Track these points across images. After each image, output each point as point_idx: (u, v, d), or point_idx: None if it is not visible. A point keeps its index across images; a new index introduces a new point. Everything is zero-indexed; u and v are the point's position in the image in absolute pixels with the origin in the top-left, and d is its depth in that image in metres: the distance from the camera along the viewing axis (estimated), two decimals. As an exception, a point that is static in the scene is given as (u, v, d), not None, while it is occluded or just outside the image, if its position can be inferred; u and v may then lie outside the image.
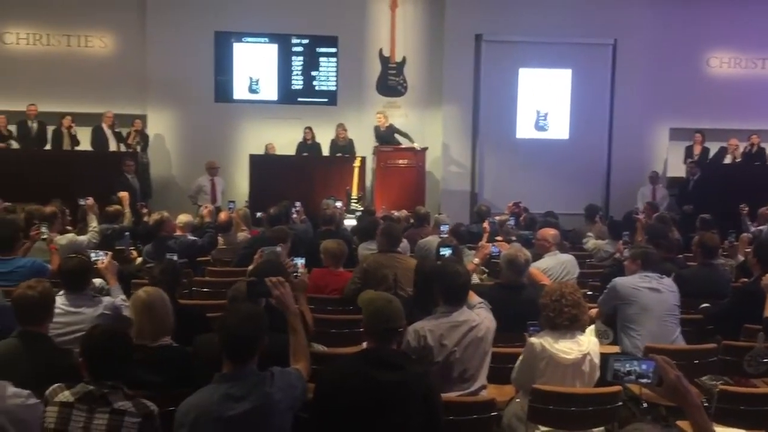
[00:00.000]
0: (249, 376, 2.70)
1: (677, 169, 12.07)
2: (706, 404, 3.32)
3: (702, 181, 10.66)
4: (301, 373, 2.89)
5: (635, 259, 4.96)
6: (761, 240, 6.18)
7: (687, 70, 12.45)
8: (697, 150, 11.72)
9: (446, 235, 6.55)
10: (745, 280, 5.54)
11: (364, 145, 11.57)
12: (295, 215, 7.95)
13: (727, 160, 11.55)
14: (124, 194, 8.14)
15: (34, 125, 11.01)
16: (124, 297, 4.27)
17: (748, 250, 5.97)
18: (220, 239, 7.26)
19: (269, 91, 12.18)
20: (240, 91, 12.13)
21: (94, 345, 2.64)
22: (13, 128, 10.96)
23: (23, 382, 2.77)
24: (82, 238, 6.35)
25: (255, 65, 12.10)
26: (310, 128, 11.59)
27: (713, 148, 11.77)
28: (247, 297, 3.20)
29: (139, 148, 11.14)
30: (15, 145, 10.89)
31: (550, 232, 6.10)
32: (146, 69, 11.79)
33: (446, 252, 5.17)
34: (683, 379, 2.09)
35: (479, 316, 3.69)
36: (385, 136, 11.31)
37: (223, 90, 12.05)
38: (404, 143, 11.34)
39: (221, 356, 2.75)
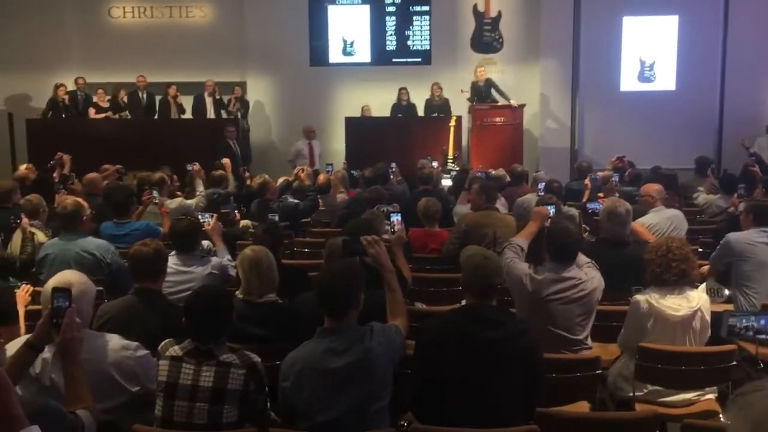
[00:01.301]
0: (349, 330, 2.75)
1: (798, 118, 11.25)
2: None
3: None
4: (399, 329, 2.92)
5: (748, 213, 4.69)
6: None
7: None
8: (819, 97, 10.88)
9: (543, 193, 6.38)
10: None
11: (460, 104, 11.41)
12: (391, 176, 7.99)
13: None
14: (226, 161, 8.41)
15: (144, 96, 11.52)
16: (230, 257, 4.44)
17: None
18: (320, 201, 7.40)
19: (363, 53, 12.20)
20: (335, 54, 12.22)
21: (196, 307, 2.75)
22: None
23: (141, 337, 2.94)
24: (190, 201, 6.63)
25: (349, 27, 12.13)
26: (405, 89, 11.54)
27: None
28: (342, 255, 3.24)
29: (239, 115, 11.46)
30: (127, 115, 11.45)
31: (654, 187, 5.85)
32: (244, 36, 12.06)
33: (550, 210, 5.01)
34: (807, 334, 1.96)
35: (587, 274, 3.60)
36: (483, 91, 11.11)
37: (318, 54, 12.17)
38: (500, 101, 11.09)
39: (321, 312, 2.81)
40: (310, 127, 11.27)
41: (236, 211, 7.27)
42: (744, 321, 2.08)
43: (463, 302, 3.20)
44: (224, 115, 11.47)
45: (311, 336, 2.81)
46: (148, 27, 12.25)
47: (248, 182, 8.58)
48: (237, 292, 3.47)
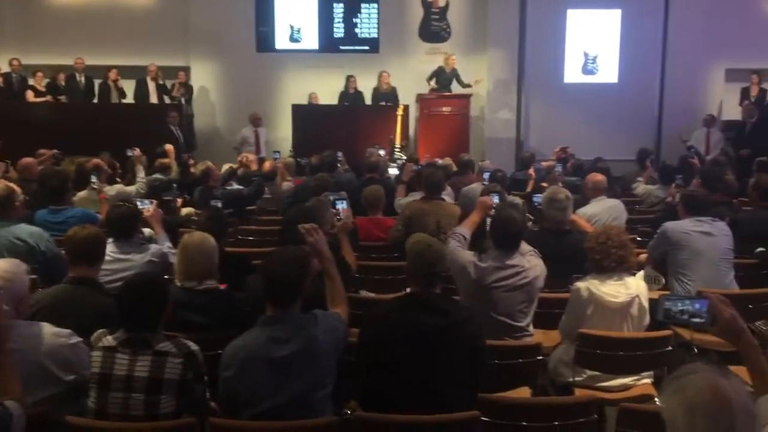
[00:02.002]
0: (293, 318, 2.71)
1: (733, 111, 11.59)
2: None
3: (760, 123, 10.24)
4: (341, 317, 2.90)
5: (682, 203, 4.84)
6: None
7: (745, 5, 11.86)
8: (754, 92, 11.26)
9: (488, 183, 6.43)
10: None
11: (408, 93, 11.43)
12: (338, 165, 7.95)
13: (787, 101, 11.08)
14: (170, 147, 8.23)
15: (82, 79, 11.17)
16: (170, 245, 4.34)
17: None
18: (266, 189, 7.30)
19: (311, 39, 12.09)
20: (282, 41, 12.08)
21: (129, 296, 2.67)
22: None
23: (75, 327, 2.84)
24: (130, 188, 6.47)
25: (296, 14, 12.01)
26: (353, 77, 11.52)
27: (772, 89, 11.28)
28: (280, 244, 3.19)
29: (183, 100, 11.22)
30: (64, 99, 11.08)
31: (597, 177, 5.96)
32: (188, 20, 11.82)
33: (494, 199, 5.01)
34: (738, 317, 2.02)
35: (529, 262, 3.64)
36: (447, 79, 11.17)
37: (264, 40, 12.01)
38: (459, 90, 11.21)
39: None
40: (256, 114, 11.12)
41: (179, 198, 7.11)
42: (680, 305, 2.12)
43: (408, 290, 3.20)
44: (167, 100, 11.21)
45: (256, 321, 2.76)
46: (87, 7, 11.85)
47: (192, 169, 8.41)
48: (176, 279, 3.38)
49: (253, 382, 2.63)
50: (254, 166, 7.80)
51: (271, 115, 11.76)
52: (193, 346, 2.68)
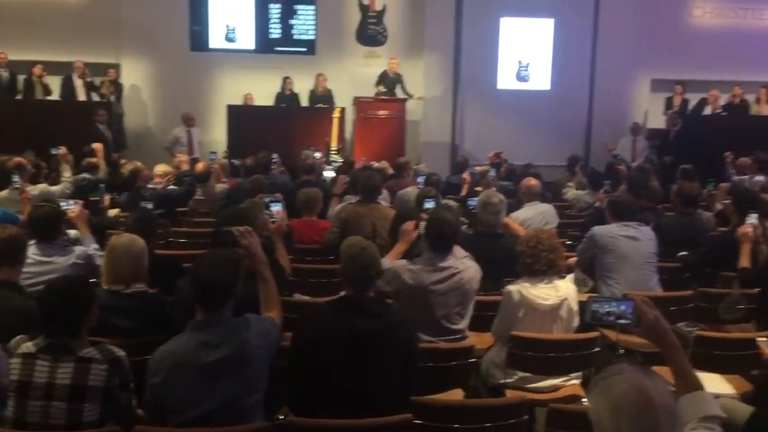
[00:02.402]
0: (224, 322, 2.65)
1: (658, 120, 12.03)
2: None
3: (683, 132, 10.65)
4: (275, 321, 2.86)
5: (608, 208, 4.99)
6: (739, 189, 6.20)
7: (670, 20, 12.33)
8: (677, 101, 11.70)
9: (423, 186, 6.48)
10: (723, 228, 5.57)
11: (344, 96, 11.42)
12: (274, 167, 7.86)
13: (707, 111, 11.54)
14: (98, 145, 7.98)
15: (5, 74, 10.71)
16: (96, 246, 4.20)
17: (727, 201, 5.99)
18: (198, 190, 7.16)
19: (246, 40, 11.92)
20: (216, 40, 11.87)
21: (49, 300, 2.57)
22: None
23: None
24: (55, 188, 6.23)
25: (231, 13, 11.82)
26: (289, 78, 11.45)
27: (694, 99, 11.73)
28: (212, 246, 3.13)
29: (113, 98, 10.90)
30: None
31: (531, 182, 6.08)
32: (119, 16, 11.48)
33: (429, 204, 5.02)
34: (662, 319, 2.08)
35: (463, 263, 3.67)
36: (392, 82, 11.23)
37: (198, 38, 11.79)
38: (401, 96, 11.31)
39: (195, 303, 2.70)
40: (190, 114, 10.89)
41: (107, 197, 6.89)
42: (606, 307, 2.17)
43: (342, 293, 3.18)
44: (96, 98, 10.87)
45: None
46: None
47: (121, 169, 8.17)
48: (102, 283, 3.27)
49: (182, 389, 2.56)
50: (185, 167, 7.63)
51: (205, 115, 11.54)
52: (119, 352, 2.59)
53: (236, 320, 2.69)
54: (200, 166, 7.54)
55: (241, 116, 10.94)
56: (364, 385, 2.76)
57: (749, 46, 12.21)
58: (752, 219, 4.56)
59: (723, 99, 11.61)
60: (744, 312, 4.14)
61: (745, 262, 4.36)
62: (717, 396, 2.41)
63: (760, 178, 8.01)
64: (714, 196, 6.72)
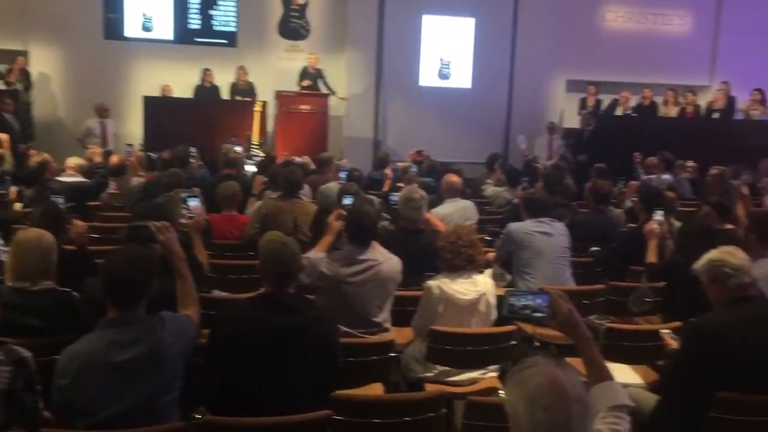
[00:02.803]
0: (137, 321, 2.57)
1: (573, 120, 12.42)
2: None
3: (597, 131, 11.01)
4: (192, 318, 2.79)
5: (522, 205, 5.12)
6: (646, 187, 6.46)
7: (584, 22, 12.75)
8: (590, 102, 12.09)
9: (345, 181, 6.47)
10: (632, 225, 5.79)
11: (266, 89, 11.28)
12: (192, 161, 7.67)
13: (618, 112, 11.99)
14: (3, 136, 7.59)
15: None
16: (2, 242, 3.99)
17: (636, 198, 6.24)
18: (113, 183, 6.91)
19: (164, 29, 11.58)
20: (132, 29, 11.47)
21: None
22: None
23: None
24: (-44, 180, 5.89)
25: (148, 1, 11.45)
26: (209, 70, 11.21)
27: (607, 100, 12.17)
28: (128, 242, 3.03)
29: (20, 87, 10.37)
30: None
31: (452, 178, 6.16)
32: (27, 1, 10.91)
33: (348, 201, 4.92)
34: (575, 312, 2.14)
35: (383, 256, 3.69)
36: (313, 78, 11.16)
37: (113, 26, 11.35)
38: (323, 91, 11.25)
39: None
40: (103, 105, 10.50)
41: (13, 189, 6.55)
42: (522, 300, 2.22)
43: (262, 290, 3.14)
44: (2, 86, 10.31)
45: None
46: None
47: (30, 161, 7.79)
48: (6, 279, 3.11)
49: (92, 389, 2.46)
50: (98, 159, 7.35)
51: (120, 106, 11.15)
52: (25, 353, 2.47)
53: (150, 318, 2.61)
54: (115, 159, 7.29)
55: (159, 108, 10.61)
56: (284, 382, 2.73)
57: (658, 50, 12.77)
58: (658, 216, 4.76)
59: (634, 100, 12.09)
60: (651, 305, 4.32)
61: (652, 257, 4.55)
62: (626, 386, 2.51)
63: (666, 176, 8.39)
64: (624, 194, 6.97)
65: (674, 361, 3.06)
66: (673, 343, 3.23)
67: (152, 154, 8.41)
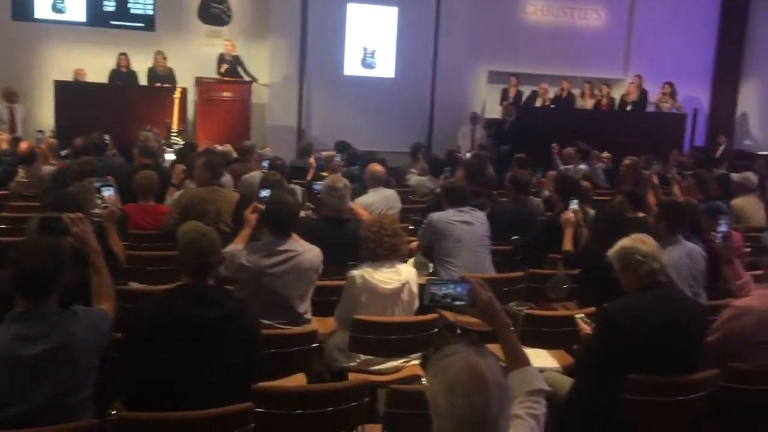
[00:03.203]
0: (47, 314, 2.46)
1: (495, 110, 12.64)
2: (512, 328, 3.55)
3: (518, 122, 11.25)
4: (107, 313, 2.70)
5: (442, 194, 5.19)
6: (562, 177, 6.64)
7: (506, 14, 12.98)
8: (512, 93, 12.33)
9: (267, 170, 6.37)
10: (550, 213, 5.95)
11: (187, 76, 10.99)
12: (108, 148, 7.41)
13: (538, 103, 12.28)
14: None
15: None
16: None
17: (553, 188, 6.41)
18: (21, 171, 6.59)
19: (77, 11, 11.13)
20: (42, 10, 10.97)
21: None
22: None
23: None
24: None
25: (59, -19, 10.96)
26: (125, 54, 10.83)
27: (528, 91, 12.43)
28: (40, 233, 2.89)
29: None
30: None
31: (376, 167, 6.17)
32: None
33: (265, 193, 4.60)
34: (494, 299, 2.18)
35: (302, 246, 3.66)
36: (231, 64, 10.93)
37: (22, 7, 10.81)
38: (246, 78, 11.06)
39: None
40: (11, 89, 10.02)
41: None
42: (443, 289, 2.24)
43: (180, 282, 3.06)
44: None
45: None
46: None
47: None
48: None
49: (-2, 385, 2.35)
50: (4, 146, 7.00)
51: (30, 91, 10.65)
52: None
53: (62, 312, 2.51)
54: (24, 146, 6.95)
55: (71, 93, 10.20)
56: (204, 375, 2.68)
57: (575, 43, 13.15)
58: (574, 205, 4.91)
59: (552, 92, 12.41)
60: (568, 291, 4.46)
61: (567, 245, 4.69)
62: (542, 370, 2.58)
63: (582, 167, 8.66)
64: (542, 184, 7.15)
65: (588, 345, 3.17)
66: (587, 329, 3.34)
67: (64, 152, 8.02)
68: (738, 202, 6.57)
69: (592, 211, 5.26)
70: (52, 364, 2.41)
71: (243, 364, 2.78)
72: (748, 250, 5.10)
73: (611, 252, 3.13)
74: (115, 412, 2.74)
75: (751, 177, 7.04)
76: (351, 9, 12.23)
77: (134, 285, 4.17)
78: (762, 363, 3.10)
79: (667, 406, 2.94)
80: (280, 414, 2.69)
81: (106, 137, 7.57)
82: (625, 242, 3.10)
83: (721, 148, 12.44)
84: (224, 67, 10.97)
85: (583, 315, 3.50)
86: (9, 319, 2.44)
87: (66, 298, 2.57)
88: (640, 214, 5.37)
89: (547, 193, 6.55)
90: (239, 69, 11.06)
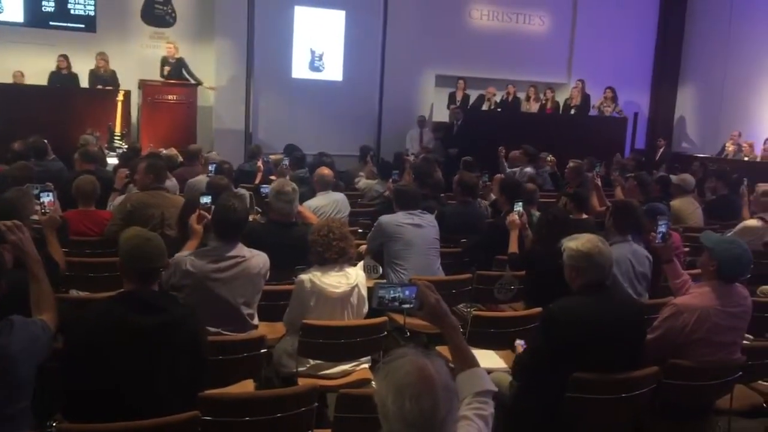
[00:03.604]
0: (-18, 326, 2.37)
1: (442, 114, 12.76)
2: (461, 330, 3.58)
3: (465, 125, 11.37)
4: (46, 324, 2.60)
5: (393, 197, 5.22)
6: (507, 180, 6.73)
7: (452, 19, 13.12)
8: (459, 96, 12.48)
9: (213, 174, 6.28)
10: (496, 216, 6.02)
11: (130, 78, 10.77)
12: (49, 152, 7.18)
13: (485, 107, 12.44)
14: None
15: None
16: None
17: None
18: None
19: (14, 11, 10.81)
20: (-23, 10, 10.59)
21: None
22: None
23: None
24: None
25: (-6, -20, 10.62)
26: (65, 56, 10.56)
27: (475, 95, 12.59)
28: None
29: None
30: None
31: (324, 171, 6.16)
32: None
33: (206, 200, 4.27)
34: (442, 302, 2.20)
35: (250, 252, 3.62)
36: (175, 67, 10.77)
37: (-46, 6, 10.43)
38: (191, 81, 10.92)
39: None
40: (-57, 91, 9.64)
41: None
42: (392, 292, 2.24)
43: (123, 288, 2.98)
44: None
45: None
46: None
47: None
48: None
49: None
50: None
51: (-36, 93, 10.27)
52: None
53: (-2, 323, 2.41)
54: (-43, 151, 6.69)
55: (9, 96, 9.88)
56: (148, 384, 2.61)
57: (520, 48, 13.39)
58: (518, 207, 4.99)
59: (499, 96, 12.59)
60: (515, 292, 4.53)
61: (513, 247, 4.76)
62: (490, 371, 2.61)
63: (528, 169, 8.80)
64: (489, 187, 7.22)
65: (531, 346, 3.20)
66: (521, 349, 3.40)
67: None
68: (676, 203, 6.78)
69: (537, 213, 5.35)
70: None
71: (189, 371, 2.72)
72: (687, 249, 5.27)
73: (568, 247, 3.11)
74: (55, 423, 2.66)
75: (689, 179, 7.26)
76: (298, 12, 12.19)
77: (75, 292, 4.06)
78: (702, 359, 3.19)
79: (610, 403, 3.00)
80: (228, 422, 2.65)
81: (44, 141, 7.34)
82: (571, 243, 3.12)
83: (661, 150, 12.83)
84: (167, 69, 10.78)
85: (522, 342, 3.50)
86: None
87: (4, 306, 2.48)
88: (584, 216, 5.48)
89: (493, 196, 6.62)
90: (183, 72, 10.89)
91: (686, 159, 12.29)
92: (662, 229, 3.94)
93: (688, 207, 6.86)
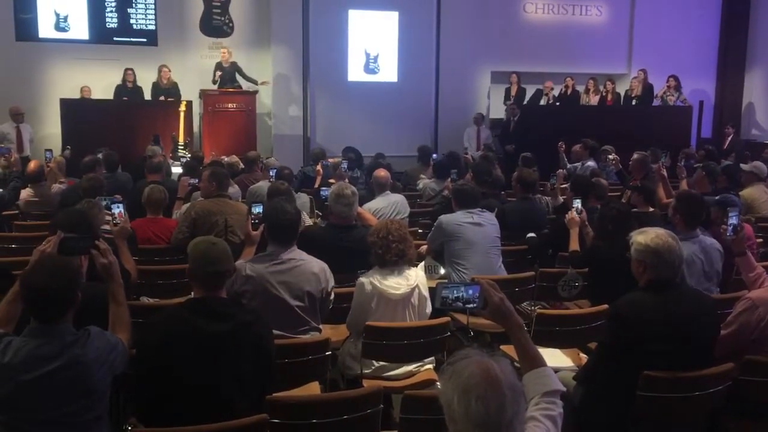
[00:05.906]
0: (61, 334, 2.45)
1: (499, 110, 12.62)
2: (526, 328, 3.54)
3: (522, 121, 11.22)
4: (122, 342, 2.67)
5: (452, 197, 5.18)
6: (575, 177, 6.60)
7: (506, 14, 12.97)
8: (513, 90, 12.29)
9: (274, 180, 6.37)
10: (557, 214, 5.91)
11: (191, 89, 11.05)
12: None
13: (543, 101, 12.25)
14: None
15: None
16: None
17: (564, 185, 6.36)
18: (30, 191, 6.62)
19: (80, 29, 11.20)
20: (46, 29, 11.06)
21: None
22: None
23: None
24: None
25: (61, 0, 11.02)
26: (131, 70, 10.88)
27: (530, 90, 12.40)
28: (59, 253, 2.87)
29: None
30: None
31: (381, 173, 6.18)
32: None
33: (257, 209, 4.12)
34: (506, 300, 2.17)
35: (309, 257, 3.64)
36: (229, 73, 10.95)
37: (25, 27, 10.90)
38: (245, 86, 11.07)
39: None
40: (18, 109, 10.07)
41: None
42: (455, 292, 2.24)
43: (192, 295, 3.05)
44: None
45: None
46: None
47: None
48: None
49: (7, 406, 2.35)
50: (16, 167, 7.04)
51: (36, 110, 10.73)
52: None
53: (76, 333, 2.49)
54: (32, 166, 6.97)
55: (77, 111, 10.27)
56: (217, 388, 2.66)
57: (577, 40, 13.12)
58: (577, 204, 4.88)
59: (557, 90, 12.37)
60: (580, 289, 4.44)
61: (574, 245, 4.67)
62: (557, 370, 2.56)
63: (590, 163, 8.62)
64: (557, 190, 6.98)
65: (599, 344, 3.13)
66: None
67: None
68: (747, 191, 6.53)
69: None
70: (62, 382, 2.38)
71: (256, 375, 2.77)
72: (760, 240, 5.07)
73: (636, 241, 3.01)
74: (131, 428, 2.75)
75: (761, 166, 6.99)
76: (352, 15, 12.26)
77: (145, 300, 4.18)
78: (779, 354, 3.06)
79: (683, 401, 2.91)
80: (296, 424, 2.68)
81: (100, 153, 7.59)
82: (639, 237, 3.02)
83: (729, 138, 12.37)
84: (218, 74, 10.95)
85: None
86: (26, 333, 2.44)
87: (81, 318, 2.56)
88: (651, 209, 5.34)
89: (561, 199, 6.38)
90: (237, 76, 11.08)
91: (757, 146, 11.81)
92: (733, 221, 3.80)
93: (761, 195, 6.60)
